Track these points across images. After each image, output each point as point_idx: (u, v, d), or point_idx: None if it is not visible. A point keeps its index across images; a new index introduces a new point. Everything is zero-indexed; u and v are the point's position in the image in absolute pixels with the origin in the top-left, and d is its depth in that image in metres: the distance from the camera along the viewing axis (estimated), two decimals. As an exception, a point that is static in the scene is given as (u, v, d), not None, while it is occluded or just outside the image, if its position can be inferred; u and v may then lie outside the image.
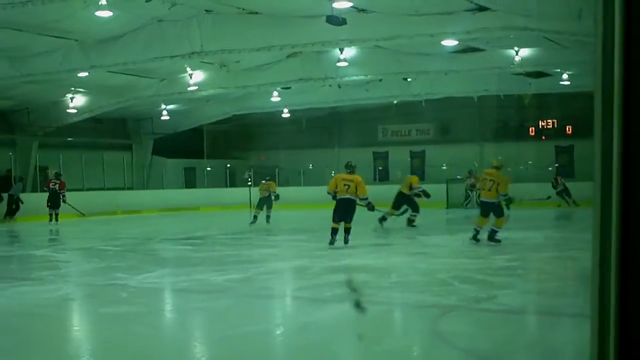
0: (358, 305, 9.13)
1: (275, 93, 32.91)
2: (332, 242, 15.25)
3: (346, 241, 15.40)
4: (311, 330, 7.63)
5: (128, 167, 38.05)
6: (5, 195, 26.78)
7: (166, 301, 10.06)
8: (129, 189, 36.76)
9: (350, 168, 15.89)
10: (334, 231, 15.34)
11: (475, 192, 30.63)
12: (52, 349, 6.91)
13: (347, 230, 15.50)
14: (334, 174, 39.76)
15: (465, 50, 24.14)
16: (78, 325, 8.71)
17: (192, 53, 21.18)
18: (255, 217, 22.82)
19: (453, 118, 38.73)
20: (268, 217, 23.34)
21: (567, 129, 36.42)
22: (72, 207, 25.88)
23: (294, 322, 8.35)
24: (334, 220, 15.41)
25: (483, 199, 15.75)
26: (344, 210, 15.41)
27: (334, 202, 15.58)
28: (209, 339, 7.51)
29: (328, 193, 15.76)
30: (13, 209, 26.99)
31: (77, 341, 7.66)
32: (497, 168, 15.53)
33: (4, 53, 23.59)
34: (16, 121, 34.81)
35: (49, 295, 9.99)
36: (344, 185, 15.41)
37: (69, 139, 35.84)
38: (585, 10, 14.50)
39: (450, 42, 22.18)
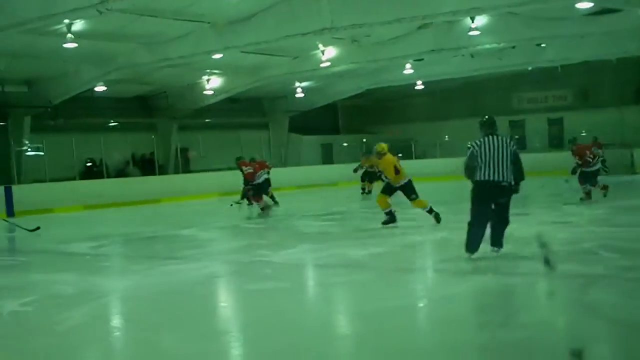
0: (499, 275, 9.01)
1: (408, 65, 32.74)
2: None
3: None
4: (454, 303, 7.58)
5: (265, 145, 38.60)
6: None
7: (309, 276, 10.18)
8: (267, 167, 37.28)
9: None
10: None
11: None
12: (202, 325, 7.09)
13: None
14: (470, 145, 39.63)
15: (601, 11, 23.35)
16: (225, 301, 8.92)
17: (323, 29, 21.21)
18: None
19: (591, 82, 37.64)
20: None
21: None
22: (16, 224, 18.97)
23: (436, 295, 8.31)
24: None
25: None
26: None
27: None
28: (352, 313, 7.57)
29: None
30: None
31: (225, 317, 7.86)
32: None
33: (141, 39, 24.28)
34: (156, 105, 35.86)
35: (196, 273, 10.25)
36: None
37: (206, 120, 36.65)
38: None
39: (584, 5, 21.43)
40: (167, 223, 19.17)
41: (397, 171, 14.70)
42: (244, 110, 39.35)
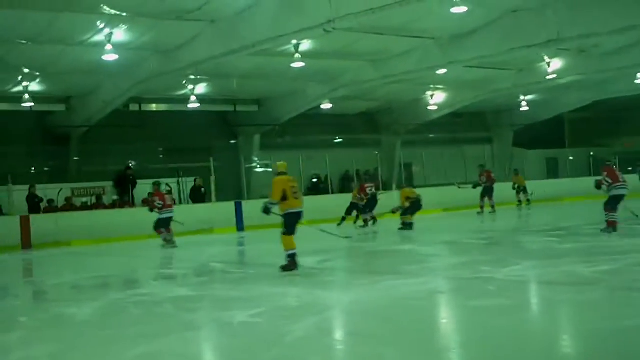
0: None
1: (639, 75, 31.47)
2: None
3: None
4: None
5: (489, 160, 38.20)
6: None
7: (533, 294, 9.93)
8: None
9: None
10: None
11: None
12: (424, 341, 7.09)
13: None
14: None
15: None
16: (447, 317, 8.86)
17: (549, 41, 20.82)
18: None
19: None
20: None
21: None
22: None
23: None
24: None
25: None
26: None
27: None
28: (579, 333, 7.32)
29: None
30: None
31: (447, 334, 7.81)
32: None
33: (368, 57, 24.79)
34: (381, 121, 36.44)
35: (418, 289, 10.27)
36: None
37: (430, 135, 36.77)
38: None
39: None
40: (388, 238, 19.30)
41: (284, 197, 12.71)
42: (467, 124, 39.23)
